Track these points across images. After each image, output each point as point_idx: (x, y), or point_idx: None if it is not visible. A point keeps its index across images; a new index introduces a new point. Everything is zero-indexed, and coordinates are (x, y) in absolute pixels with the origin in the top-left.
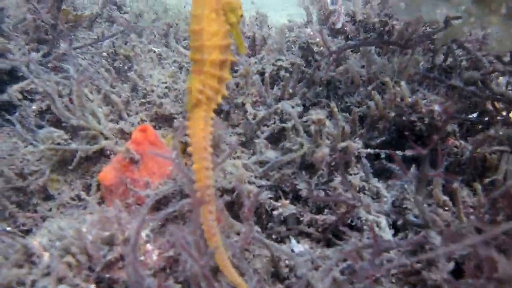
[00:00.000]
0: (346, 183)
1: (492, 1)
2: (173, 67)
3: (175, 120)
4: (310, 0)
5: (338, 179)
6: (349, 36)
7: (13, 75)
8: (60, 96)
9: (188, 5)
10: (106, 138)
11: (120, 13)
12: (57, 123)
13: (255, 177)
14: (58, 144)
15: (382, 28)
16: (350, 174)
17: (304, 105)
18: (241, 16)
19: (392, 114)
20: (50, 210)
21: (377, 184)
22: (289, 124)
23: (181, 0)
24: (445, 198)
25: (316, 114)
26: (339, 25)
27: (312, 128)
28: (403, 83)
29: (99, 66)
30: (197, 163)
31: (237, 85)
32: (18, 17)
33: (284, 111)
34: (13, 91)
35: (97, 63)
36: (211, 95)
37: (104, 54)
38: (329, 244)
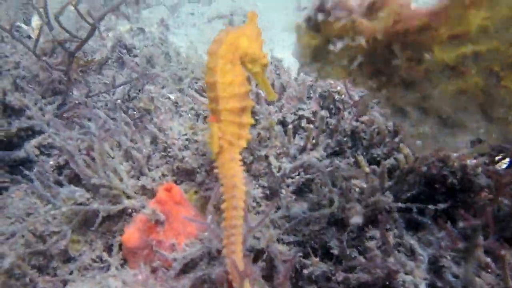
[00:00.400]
0: (388, 246)
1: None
2: (190, 115)
3: (197, 175)
4: None
5: (371, 237)
6: None
7: (29, 129)
8: (79, 150)
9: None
10: (128, 197)
11: (130, 56)
12: (75, 178)
13: (283, 233)
14: (80, 204)
15: None
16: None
17: (327, 155)
18: (265, 65)
19: (424, 168)
20: (71, 273)
21: (411, 241)
22: (317, 179)
23: (191, 43)
24: (488, 260)
25: (348, 170)
26: None
27: (343, 184)
28: None
29: (119, 119)
30: (227, 202)
31: (258, 135)
32: (30, 68)
33: (312, 166)
34: (30, 146)
35: (112, 112)
36: (232, 140)
37: (119, 101)
38: None
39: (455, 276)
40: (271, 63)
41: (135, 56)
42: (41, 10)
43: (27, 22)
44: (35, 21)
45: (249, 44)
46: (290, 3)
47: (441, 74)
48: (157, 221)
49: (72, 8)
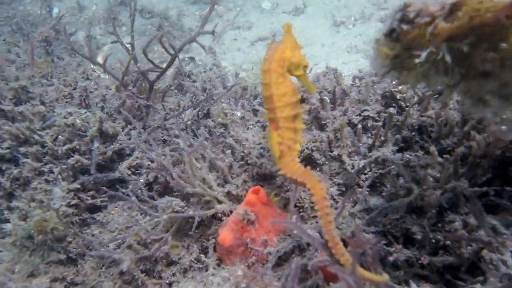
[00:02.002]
0: (481, 223)
1: None
2: (257, 127)
3: (276, 179)
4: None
5: (453, 220)
6: None
7: (119, 154)
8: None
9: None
10: (219, 202)
11: (189, 81)
12: (164, 192)
13: (364, 224)
14: (177, 212)
15: None
16: (462, 214)
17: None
18: (306, 67)
19: (498, 152)
20: (173, 275)
21: (494, 221)
22: (393, 171)
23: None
24: None
25: (420, 159)
26: None
27: (421, 173)
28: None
29: (202, 136)
30: (314, 193)
31: (328, 137)
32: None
33: (387, 159)
34: (123, 168)
35: (185, 132)
36: (290, 145)
37: (189, 122)
38: (448, 286)
39: None
40: (329, 73)
41: (194, 81)
42: (128, 45)
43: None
44: (101, 55)
45: (292, 54)
46: (324, 20)
47: None
48: (249, 220)
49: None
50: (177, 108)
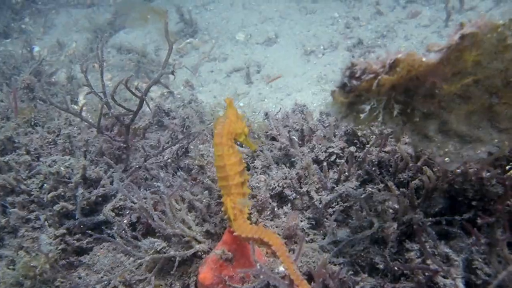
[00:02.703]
0: (427, 253)
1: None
2: None
3: (251, 215)
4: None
5: (410, 248)
6: None
7: (103, 196)
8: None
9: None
10: (198, 242)
11: (169, 118)
12: (147, 232)
13: (332, 256)
14: (159, 252)
15: None
16: (417, 243)
17: (359, 184)
18: (247, 132)
19: (446, 185)
20: None
21: (446, 249)
22: (356, 206)
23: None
24: None
25: (381, 195)
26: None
27: (379, 207)
28: None
29: (181, 178)
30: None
31: (297, 174)
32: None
33: (350, 195)
34: (107, 210)
35: (164, 170)
36: (241, 208)
37: (169, 160)
38: None
39: (488, 275)
40: (297, 109)
41: (173, 118)
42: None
43: (75, 102)
44: (81, 100)
45: (236, 126)
46: (295, 50)
47: (453, 102)
48: (227, 259)
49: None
50: (157, 145)
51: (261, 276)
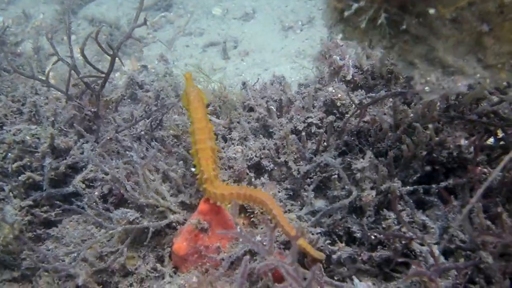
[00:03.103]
0: (401, 220)
1: (498, 64)
2: None
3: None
4: (315, 57)
5: (388, 217)
6: (359, 84)
7: (73, 167)
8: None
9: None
10: (173, 212)
11: (142, 91)
12: (119, 204)
13: (310, 226)
14: (131, 223)
15: (389, 75)
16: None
17: (338, 154)
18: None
19: (424, 153)
20: (131, 285)
21: (423, 217)
22: (334, 175)
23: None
24: (488, 223)
25: (360, 163)
26: (349, 77)
27: (358, 175)
28: (430, 125)
29: (155, 148)
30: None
31: (275, 144)
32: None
33: (328, 163)
34: (77, 182)
35: (138, 142)
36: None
37: (142, 133)
38: (386, 278)
39: (463, 242)
40: (275, 81)
41: (147, 91)
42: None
43: (42, 73)
44: (50, 65)
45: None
46: (273, 25)
47: (444, 27)
48: (202, 229)
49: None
50: (130, 118)
51: (241, 240)
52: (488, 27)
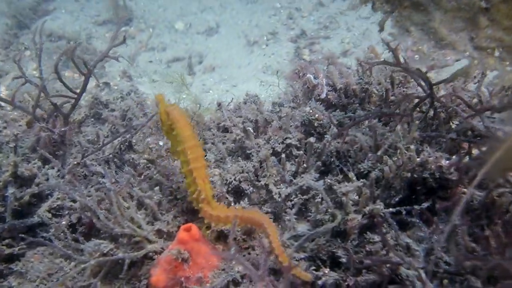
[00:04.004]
0: (388, 245)
1: (488, 48)
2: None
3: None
4: (287, 75)
5: (372, 240)
6: (333, 102)
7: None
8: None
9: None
10: (150, 242)
11: (108, 110)
12: (89, 234)
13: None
14: (105, 255)
15: (363, 94)
16: (379, 234)
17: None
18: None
19: (408, 174)
20: None
21: (407, 239)
22: (317, 198)
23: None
24: (473, 245)
25: (344, 186)
26: (323, 96)
27: (343, 199)
28: (412, 146)
29: (128, 173)
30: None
31: (253, 167)
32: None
33: (310, 187)
34: (43, 211)
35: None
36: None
37: (111, 156)
38: None
39: (448, 264)
40: (249, 100)
41: (113, 110)
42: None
43: None
44: (4, 83)
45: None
46: (238, 40)
47: None
48: (182, 259)
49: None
50: (95, 139)
51: (233, 262)
52: (486, 4)
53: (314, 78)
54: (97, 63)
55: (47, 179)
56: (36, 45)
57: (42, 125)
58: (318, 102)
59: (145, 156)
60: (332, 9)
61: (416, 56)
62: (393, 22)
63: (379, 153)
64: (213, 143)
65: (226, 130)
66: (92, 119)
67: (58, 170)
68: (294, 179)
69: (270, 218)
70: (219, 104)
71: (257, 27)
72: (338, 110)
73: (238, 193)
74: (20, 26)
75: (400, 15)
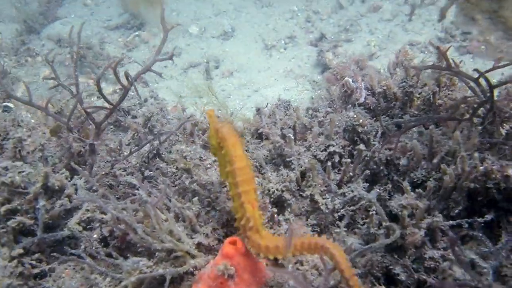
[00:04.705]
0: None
1: None
2: (215, 167)
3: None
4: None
5: (430, 256)
6: (371, 107)
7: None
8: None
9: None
10: (192, 256)
11: (130, 117)
12: (122, 247)
13: None
14: (145, 273)
15: (406, 98)
16: (439, 249)
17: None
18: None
19: (471, 185)
20: None
21: (472, 255)
22: (372, 210)
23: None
24: None
25: (405, 198)
26: (361, 100)
27: (404, 212)
28: (476, 154)
29: (164, 185)
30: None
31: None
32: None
33: (363, 198)
34: (73, 224)
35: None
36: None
37: (137, 165)
38: None
39: None
40: (281, 105)
41: (134, 117)
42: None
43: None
44: (20, 90)
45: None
46: (255, 44)
47: None
48: (229, 275)
49: None
50: (118, 148)
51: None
52: None
53: (353, 81)
54: (138, 77)
55: (76, 190)
56: (78, 53)
57: (75, 135)
58: (356, 107)
59: (181, 165)
60: (351, 11)
61: (483, 47)
62: (458, 9)
63: (435, 161)
64: (246, 150)
65: (260, 137)
66: (112, 127)
67: (87, 181)
68: (339, 189)
69: (315, 230)
70: (258, 110)
71: (274, 31)
72: (376, 115)
73: (279, 203)
74: (30, 31)
75: (466, 1)
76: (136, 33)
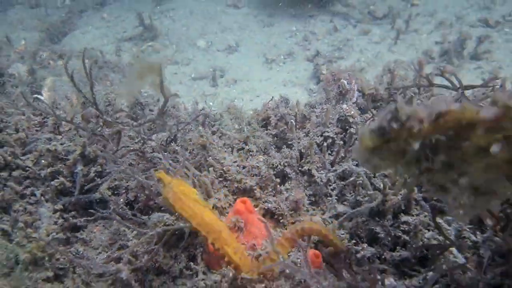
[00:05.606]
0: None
1: None
2: (225, 150)
3: (255, 191)
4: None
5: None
6: (361, 107)
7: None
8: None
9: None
10: None
11: (149, 110)
12: (144, 211)
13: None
14: (168, 225)
15: (391, 99)
16: (413, 215)
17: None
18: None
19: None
20: (164, 283)
21: (439, 220)
22: (358, 181)
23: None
24: None
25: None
26: (353, 100)
27: (385, 180)
28: None
29: (183, 157)
30: None
31: (301, 155)
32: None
33: (352, 171)
34: (104, 188)
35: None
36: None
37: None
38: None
39: (475, 243)
40: (282, 101)
41: (151, 110)
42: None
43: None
44: (45, 87)
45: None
46: (257, 58)
47: (476, 155)
48: (239, 228)
49: None
50: (136, 136)
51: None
52: None
53: (347, 83)
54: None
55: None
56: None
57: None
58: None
59: (200, 141)
60: (344, 34)
61: (461, 211)
62: (425, 181)
63: None
64: (253, 136)
65: (265, 126)
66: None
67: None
68: (332, 167)
69: (311, 200)
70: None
71: (275, 47)
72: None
73: (281, 177)
74: (51, 39)
75: (431, 175)
76: (150, 43)
